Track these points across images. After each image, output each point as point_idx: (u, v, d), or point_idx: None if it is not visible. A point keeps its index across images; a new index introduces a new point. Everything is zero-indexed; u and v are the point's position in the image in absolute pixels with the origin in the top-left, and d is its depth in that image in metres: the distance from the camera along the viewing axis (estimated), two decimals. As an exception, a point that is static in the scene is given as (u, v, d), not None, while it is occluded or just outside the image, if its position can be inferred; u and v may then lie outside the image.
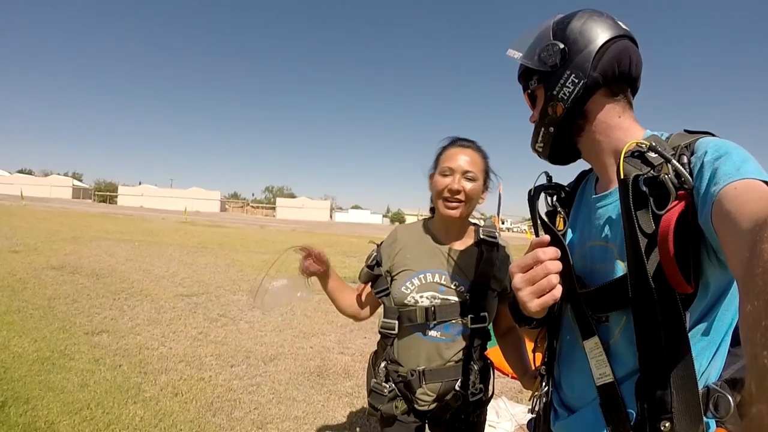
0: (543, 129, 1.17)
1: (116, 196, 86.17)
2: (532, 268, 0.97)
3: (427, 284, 1.73)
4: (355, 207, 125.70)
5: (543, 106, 1.15)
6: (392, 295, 1.77)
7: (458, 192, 1.70)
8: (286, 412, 3.84)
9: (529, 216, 1.30)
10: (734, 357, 0.99)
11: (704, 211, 0.83)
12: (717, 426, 0.93)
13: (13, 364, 4.15)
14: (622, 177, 0.95)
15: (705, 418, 0.89)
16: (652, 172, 0.94)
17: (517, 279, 0.98)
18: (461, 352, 1.74)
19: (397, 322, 1.74)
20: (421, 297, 1.72)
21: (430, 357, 1.73)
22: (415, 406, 1.75)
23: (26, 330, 5.16)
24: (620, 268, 1.01)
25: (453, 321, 1.71)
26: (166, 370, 4.42)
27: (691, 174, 0.90)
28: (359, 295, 1.92)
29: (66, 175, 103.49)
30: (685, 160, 0.92)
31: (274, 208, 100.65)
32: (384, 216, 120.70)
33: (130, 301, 6.99)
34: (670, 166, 0.92)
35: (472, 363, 1.75)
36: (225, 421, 3.56)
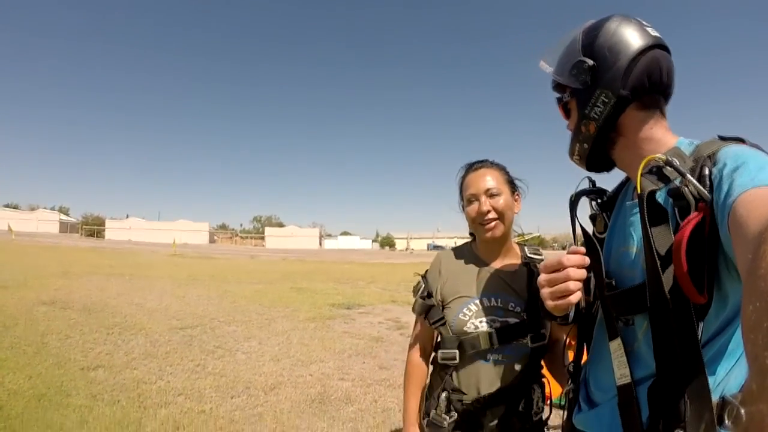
0: (578, 144, 1.20)
1: (104, 230, 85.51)
2: (557, 270, 1.07)
3: (485, 309, 1.70)
4: (345, 233, 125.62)
5: (577, 122, 1.18)
6: (449, 324, 1.72)
7: (489, 212, 1.70)
8: (291, 441, 3.76)
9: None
10: None
11: (723, 224, 0.84)
12: None
13: (9, 402, 4.06)
14: (639, 192, 0.97)
15: (721, 429, 0.87)
16: (675, 183, 0.96)
17: (541, 277, 1.11)
18: (523, 373, 1.70)
19: (457, 351, 1.70)
20: (481, 322, 1.69)
21: (492, 381, 1.68)
22: None
23: (20, 366, 5.06)
24: (643, 275, 1.02)
25: (514, 342, 1.69)
26: (165, 404, 4.34)
27: (712, 185, 0.91)
28: (421, 345, 1.88)
29: (53, 209, 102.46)
30: (706, 171, 0.94)
31: (263, 238, 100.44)
32: (373, 241, 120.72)
33: (124, 336, 6.88)
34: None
35: (533, 383, 1.73)
36: (229, 453, 3.49)
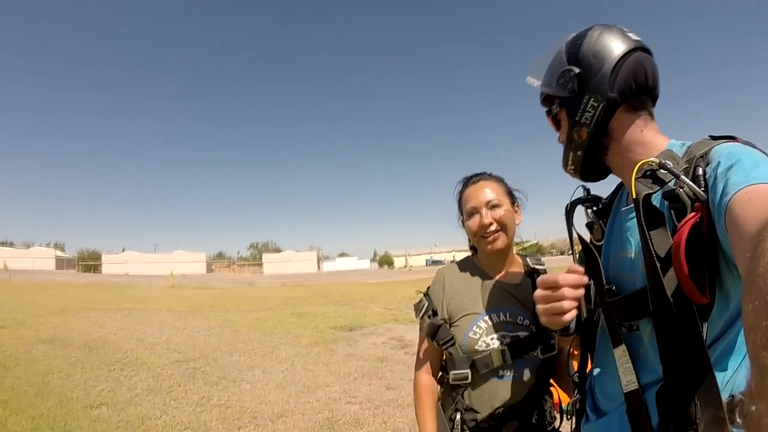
0: (571, 153, 1.20)
1: (100, 265, 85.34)
2: (552, 288, 1.09)
3: (495, 325, 1.68)
4: (342, 254, 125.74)
5: (568, 131, 1.18)
6: (459, 344, 1.68)
7: (491, 224, 1.68)
8: (302, 469, 3.70)
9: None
10: None
11: (719, 222, 0.85)
12: None
13: (13, 446, 3.98)
14: (634, 197, 0.98)
15: (733, 428, 0.85)
16: (670, 186, 0.97)
17: (537, 293, 1.12)
18: (535, 385, 1.69)
19: (470, 370, 1.66)
20: (492, 339, 1.66)
21: (506, 397, 1.65)
22: None
23: (22, 407, 4.98)
24: (644, 280, 1.02)
25: (525, 356, 1.66)
26: (172, 439, 4.25)
27: (706, 185, 0.92)
28: (430, 364, 1.83)
29: (48, 245, 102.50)
30: (700, 171, 0.95)
31: (260, 265, 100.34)
32: (372, 260, 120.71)
33: (126, 371, 6.81)
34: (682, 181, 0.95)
35: (544, 393, 1.72)
36: (240, 486, 3.43)
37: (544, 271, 1.76)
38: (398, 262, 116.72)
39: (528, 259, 1.83)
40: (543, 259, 1.90)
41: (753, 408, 0.40)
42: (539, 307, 1.11)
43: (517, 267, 1.81)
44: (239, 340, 9.72)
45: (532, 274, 1.76)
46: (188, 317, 13.64)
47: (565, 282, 1.07)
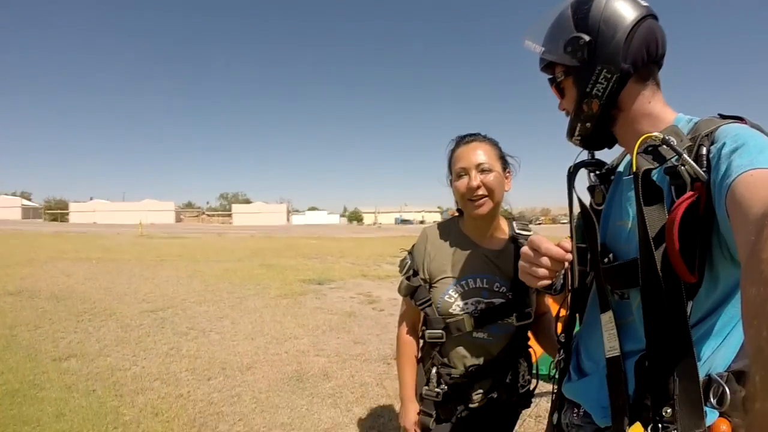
0: (579, 124, 1.18)
1: (68, 214, 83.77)
2: (536, 251, 1.10)
3: (470, 290, 1.72)
4: (312, 208, 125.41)
5: (577, 101, 1.15)
6: (435, 305, 1.74)
7: (478, 188, 1.65)
8: (272, 419, 3.83)
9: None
10: None
11: (720, 204, 0.84)
12: (719, 416, 0.94)
13: (-18, 399, 4.00)
14: (634, 171, 0.97)
15: (706, 407, 0.91)
16: (672, 162, 0.96)
17: (523, 249, 1.14)
18: (509, 348, 1.75)
19: (443, 331, 1.73)
20: (466, 304, 1.70)
21: (478, 358, 1.73)
22: (469, 405, 1.75)
23: (-10, 362, 4.97)
24: (637, 250, 1.02)
25: (499, 322, 1.71)
26: (142, 390, 4.33)
27: (709, 164, 0.91)
28: (412, 321, 1.91)
29: (14, 194, 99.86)
30: (704, 150, 0.93)
31: (230, 215, 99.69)
32: (341, 216, 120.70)
33: (95, 322, 6.81)
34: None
35: (519, 357, 1.78)
36: (211, 436, 3.52)
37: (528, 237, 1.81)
38: (368, 219, 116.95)
39: (514, 225, 1.83)
40: (536, 228, 1.89)
41: (758, 406, 0.38)
42: (521, 263, 1.13)
43: (501, 233, 1.81)
44: (208, 291, 9.74)
45: (516, 240, 1.77)
46: (157, 267, 13.58)
47: (547, 252, 1.07)
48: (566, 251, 1.09)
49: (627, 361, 1.04)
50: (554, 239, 1.12)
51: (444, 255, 1.79)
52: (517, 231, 1.80)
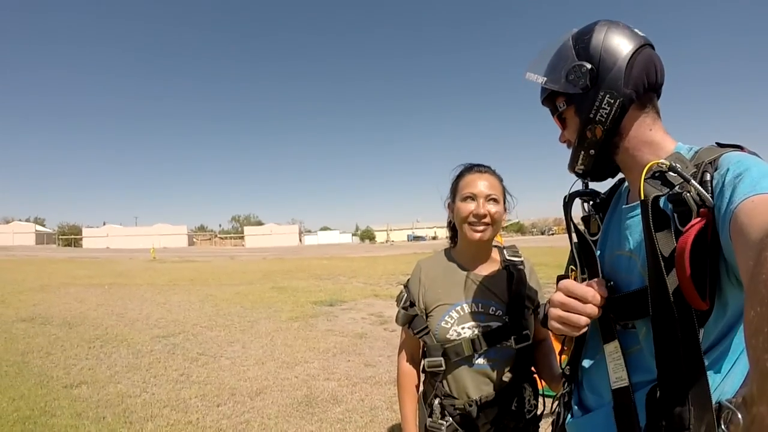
0: (583, 152, 1.17)
1: (81, 239, 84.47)
2: (578, 299, 1.05)
3: (466, 315, 1.73)
4: (324, 228, 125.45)
5: (580, 129, 1.15)
6: (432, 333, 1.76)
7: (485, 216, 1.71)
8: (279, 446, 3.79)
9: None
10: None
11: (724, 230, 0.84)
12: None
13: (-7, 427, 4.02)
14: (642, 198, 0.96)
15: None
16: (676, 189, 0.96)
17: (558, 297, 1.08)
18: (510, 373, 1.74)
19: (443, 358, 1.73)
20: (463, 329, 1.71)
21: (480, 385, 1.71)
22: None
23: (2, 388, 5.00)
24: (642, 280, 1.02)
25: (498, 345, 1.71)
26: (151, 417, 4.33)
27: (713, 191, 0.92)
28: (410, 350, 1.91)
29: (28, 220, 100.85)
30: (707, 177, 0.94)
31: (242, 238, 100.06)
32: (353, 234, 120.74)
33: (106, 348, 6.83)
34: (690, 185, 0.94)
35: (523, 382, 1.76)
36: (218, 464, 3.50)
37: (521, 263, 1.83)
38: (380, 237, 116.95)
39: (505, 252, 1.87)
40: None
41: (755, 411, 0.41)
42: (554, 312, 1.07)
43: (493, 260, 1.85)
44: (219, 315, 9.76)
45: (508, 267, 1.80)
46: (169, 291, 13.65)
47: (594, 300, 1.04)
48: (605, 295, 1.06)
49: (637, 392, 1.03)
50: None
51: (438, 283, 1.81)
52: (508, 257, 1.84)
